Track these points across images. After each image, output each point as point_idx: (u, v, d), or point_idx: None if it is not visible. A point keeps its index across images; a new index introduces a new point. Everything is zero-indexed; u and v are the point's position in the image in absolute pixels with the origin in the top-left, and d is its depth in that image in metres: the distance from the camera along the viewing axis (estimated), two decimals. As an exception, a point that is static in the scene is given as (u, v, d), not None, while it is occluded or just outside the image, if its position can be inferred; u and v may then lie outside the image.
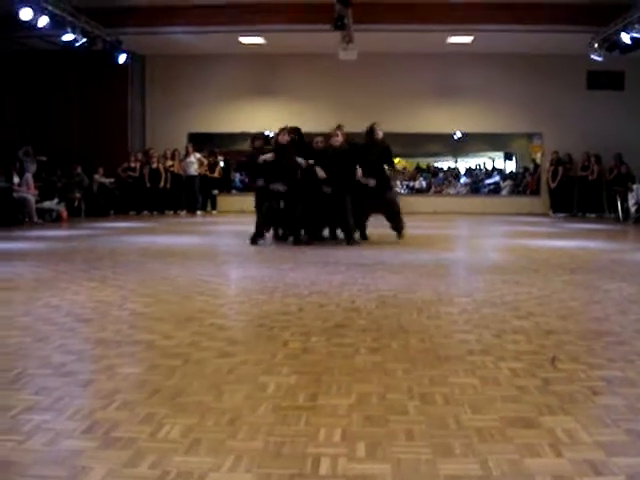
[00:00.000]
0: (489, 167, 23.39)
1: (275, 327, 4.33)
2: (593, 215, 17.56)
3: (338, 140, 9.59)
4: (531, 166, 21.02)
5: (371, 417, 2.69)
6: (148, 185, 17.53)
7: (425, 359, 3.57)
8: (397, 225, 10.08)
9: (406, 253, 8.72)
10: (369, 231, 10.39)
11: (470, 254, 9.32)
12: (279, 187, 9.17)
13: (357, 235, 10.01)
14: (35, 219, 13.95)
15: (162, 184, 17.60)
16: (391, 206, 10.00)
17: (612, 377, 3.25)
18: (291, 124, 10.45)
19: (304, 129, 10.59)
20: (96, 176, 17.17)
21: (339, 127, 9.86)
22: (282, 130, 9.51)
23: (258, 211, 9.58)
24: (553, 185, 18.05)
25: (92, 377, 3.24)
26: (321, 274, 6.75)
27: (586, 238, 11.51)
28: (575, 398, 2.93)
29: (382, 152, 9.96)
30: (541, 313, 4.80)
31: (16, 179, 14.03)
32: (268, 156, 9.26)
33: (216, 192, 18.64)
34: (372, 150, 9.88)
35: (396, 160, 23.13)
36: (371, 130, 9.93)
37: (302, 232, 9.37)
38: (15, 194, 13.79)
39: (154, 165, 17.60)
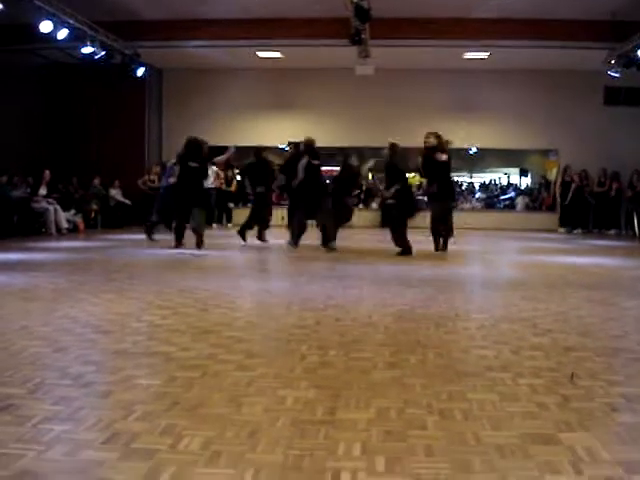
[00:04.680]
0: (504, 183, 23.31)
1: (292, 340, 4.33)
2: (610, 232, 17.46)
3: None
4: (546, 182, 20.93)
5: (390, 432, 2.68)
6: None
7: (443, 374, 3.57)
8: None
9: (422, 268, 8.71)
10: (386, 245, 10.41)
11: (486, 270, 9.30)
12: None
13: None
14: (53, 230, 14.04)
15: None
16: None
17: (631, 394, 3.23)
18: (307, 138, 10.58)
19: (320, 143, 10.63)
20: (112, 191, 17.28)
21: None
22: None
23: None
24: (567, 201, 17.98)
25: (111, 388, 3.25)
26: (337, 288, 6.75)
27: (602, 255, 11.46)
28: (594, 415, 2.91)
29: None
30: (559, 330, 4.77)
31: (43, 191, 14.21)
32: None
33: (232, 205, 18.77)
34: None
35: (411, 175, 23.19)
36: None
37: None
38: (34, 204, 13.91)
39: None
